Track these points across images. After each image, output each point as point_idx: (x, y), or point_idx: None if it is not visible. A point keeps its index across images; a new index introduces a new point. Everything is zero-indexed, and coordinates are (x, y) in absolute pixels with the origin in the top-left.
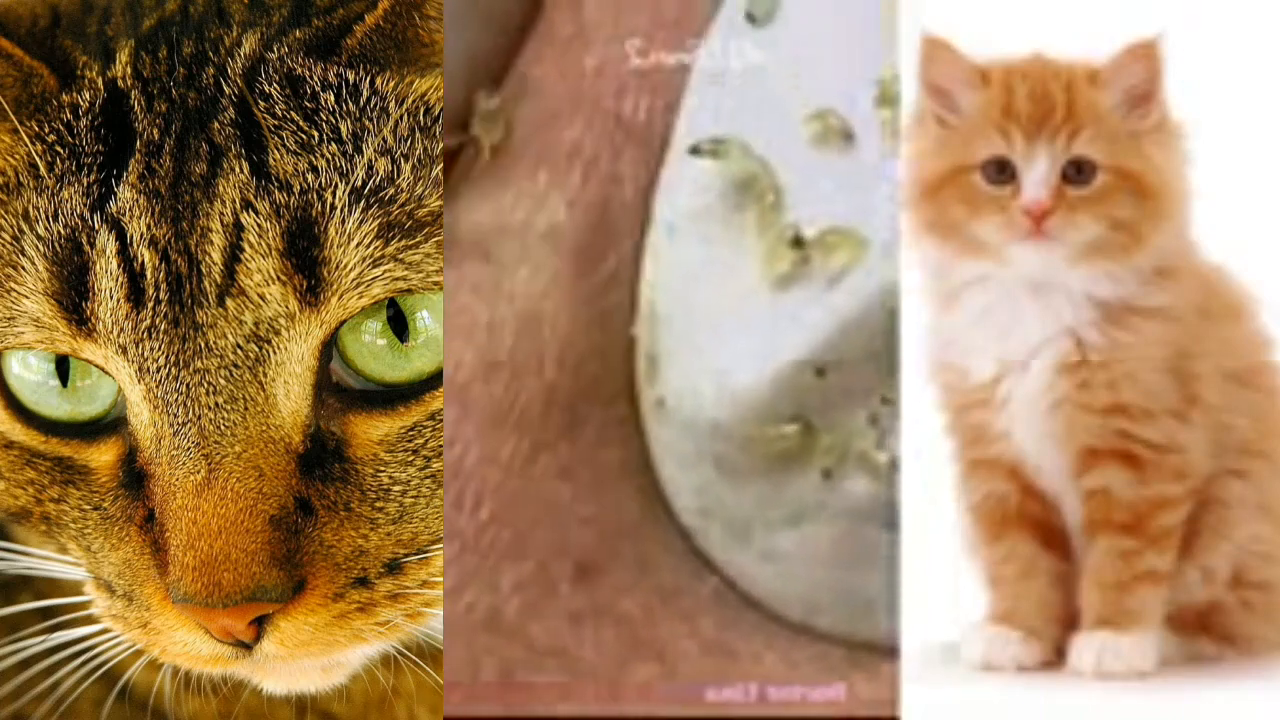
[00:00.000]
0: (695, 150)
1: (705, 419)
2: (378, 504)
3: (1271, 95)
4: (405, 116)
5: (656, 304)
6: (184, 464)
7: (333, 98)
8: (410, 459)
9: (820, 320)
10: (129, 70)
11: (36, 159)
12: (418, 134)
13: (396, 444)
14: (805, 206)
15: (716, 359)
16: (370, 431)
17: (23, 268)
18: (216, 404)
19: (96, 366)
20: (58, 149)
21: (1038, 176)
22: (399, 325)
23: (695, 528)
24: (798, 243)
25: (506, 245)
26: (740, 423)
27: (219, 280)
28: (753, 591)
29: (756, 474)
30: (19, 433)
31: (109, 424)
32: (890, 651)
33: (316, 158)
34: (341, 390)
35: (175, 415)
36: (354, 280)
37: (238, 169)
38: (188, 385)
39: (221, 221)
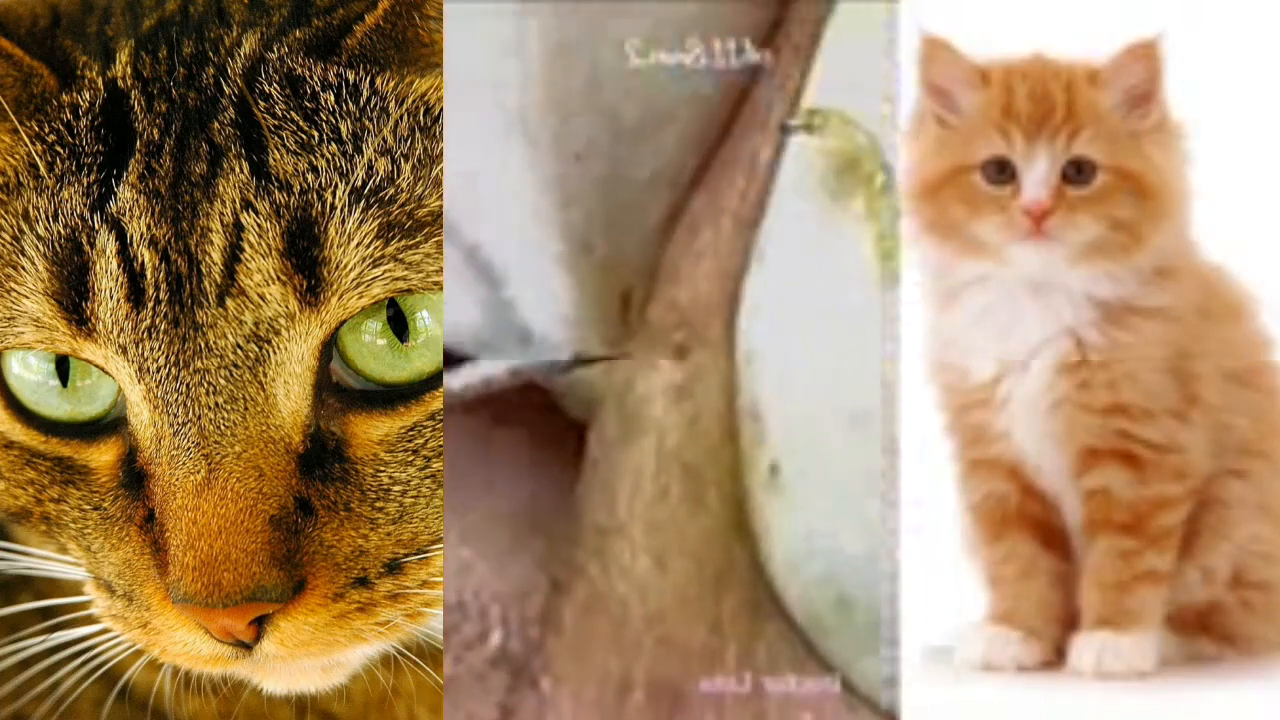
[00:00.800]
0: (785, 129)
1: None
2: (378, 504)
3: (1271, 95)
4: (405, 116)
5: (752, 339)
6: (184, 464)
7: (333, 98)
8: (410, 459)
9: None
10: (129, 70)
11: (36, 159)
12: (418, 134)
13: (396, 444)
14: None
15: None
16: (370, 431)
17: (23, 268)
18: (216, 404)
19: (96, 366)
20: (58, 149)
21: (1038, 176)
22: (399, 325)
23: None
24: None
25: None
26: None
27: (219, 280)
28: None
29: None
30: (19, 433)
31: (109, 424)
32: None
33: (316, 158)
34: (341, 390)
35: (175, 415)
36: (354, 280)
37: (238, 169)
38: (188, 385)
39: (221, 221)
